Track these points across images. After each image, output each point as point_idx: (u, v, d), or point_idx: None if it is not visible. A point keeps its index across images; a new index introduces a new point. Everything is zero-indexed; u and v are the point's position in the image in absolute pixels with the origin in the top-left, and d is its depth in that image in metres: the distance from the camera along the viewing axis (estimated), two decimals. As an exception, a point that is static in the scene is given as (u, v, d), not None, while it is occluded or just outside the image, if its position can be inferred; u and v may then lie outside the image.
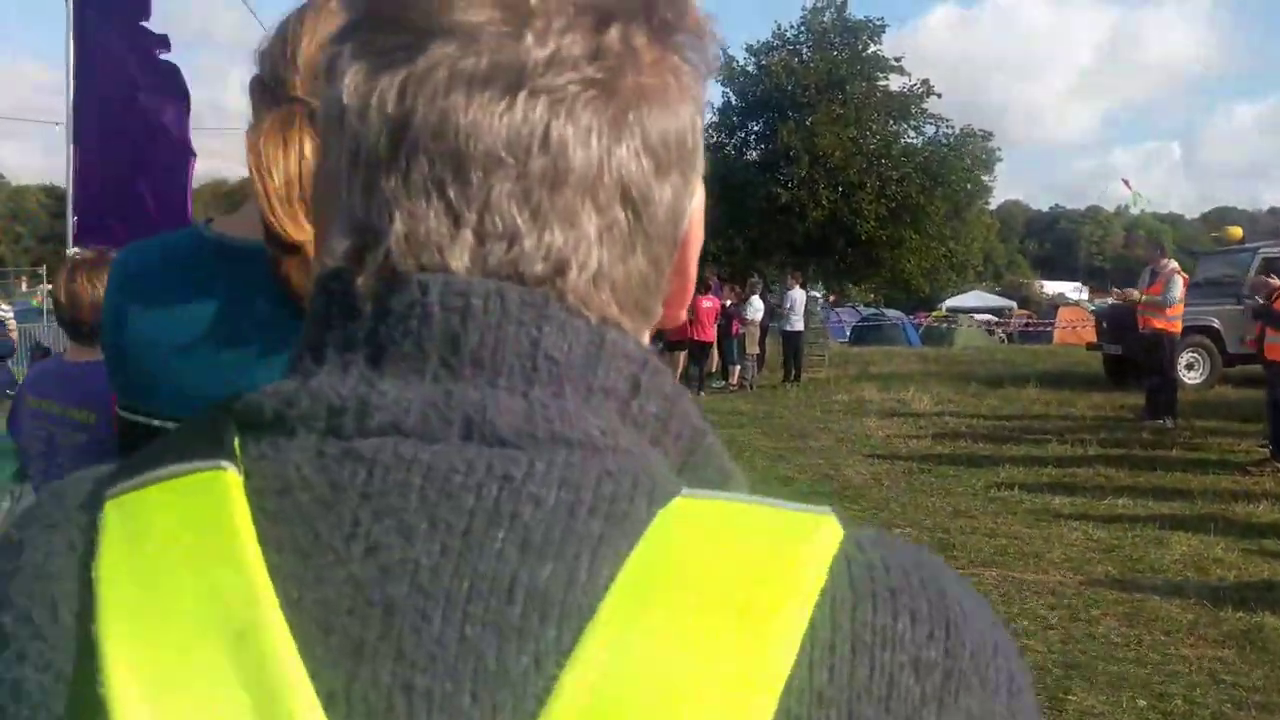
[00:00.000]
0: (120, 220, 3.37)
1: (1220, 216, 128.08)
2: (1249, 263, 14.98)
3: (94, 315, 2.44)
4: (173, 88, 3.25)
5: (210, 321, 1.11)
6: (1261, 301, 9.51)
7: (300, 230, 1.01)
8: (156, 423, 1.14)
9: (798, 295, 17.27)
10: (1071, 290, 63.88)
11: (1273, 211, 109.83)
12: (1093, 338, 32.61)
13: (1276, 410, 8.65)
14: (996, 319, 42.15)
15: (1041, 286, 69.38)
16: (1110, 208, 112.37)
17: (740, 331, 17.12)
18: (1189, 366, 14.78)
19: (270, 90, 1.13)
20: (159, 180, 3.37)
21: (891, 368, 19.22)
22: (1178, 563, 5.75)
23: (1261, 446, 9.45)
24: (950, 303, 44.29)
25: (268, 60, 1.14)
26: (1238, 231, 16.38)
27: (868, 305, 32.92)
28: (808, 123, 18.26)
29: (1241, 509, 6.99)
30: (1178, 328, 11.38)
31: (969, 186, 18.04)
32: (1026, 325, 38.62)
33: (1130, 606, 4.96)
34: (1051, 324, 33.90)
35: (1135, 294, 11.54)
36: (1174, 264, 11.65)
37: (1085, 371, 17.35)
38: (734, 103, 19.75)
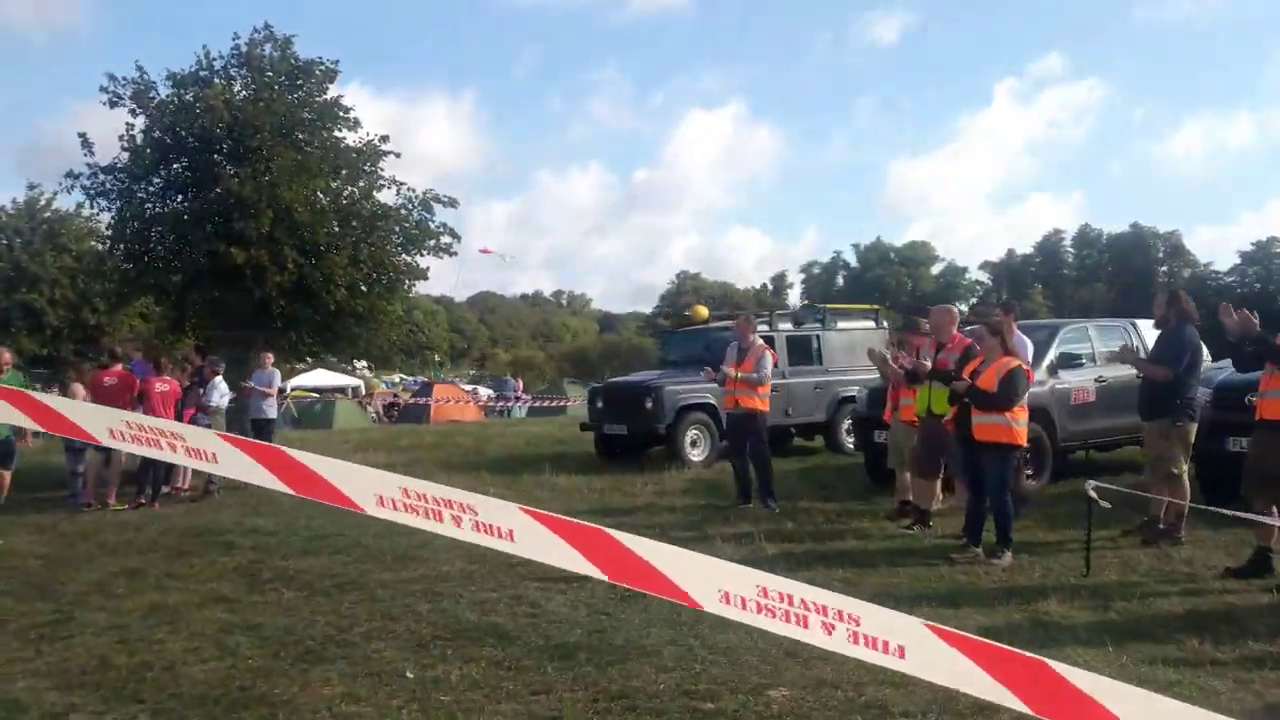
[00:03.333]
0: None
1: (483, 300, 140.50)
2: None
3: None
4: None
5: None
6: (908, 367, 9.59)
7: None
8: None
9: (275, 375, 14.29)
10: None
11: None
12: (470, 415, 33.33)
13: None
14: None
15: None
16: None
17: (204, 422, 13.59)
18: (693, 444, 14.96)
19: None
20: None
21: (366, 456, 16.89)
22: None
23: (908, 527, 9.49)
24: (295, 381, 41.53)
25: None
26: (704, 311, 17.22)
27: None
28: (265, 172, 15.36)
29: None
30: (768, 405, 11.17)
31: (441, 256, 16.61)
32: (394, 403, 38.09)
33: None
34: (426, 400, 33.67)
35: (730, 371, 11.04)
36: (762, 341, 11.51)
37: (584, 453, 16.79)
38: (153, 137, 15.95)
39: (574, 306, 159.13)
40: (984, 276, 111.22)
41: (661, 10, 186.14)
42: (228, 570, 8.57)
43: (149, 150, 15.76)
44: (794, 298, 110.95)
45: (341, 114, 16.43)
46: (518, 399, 39.71)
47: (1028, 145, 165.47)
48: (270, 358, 14.38)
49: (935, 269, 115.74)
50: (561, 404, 35.08)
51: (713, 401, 15.06)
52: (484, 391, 40.54)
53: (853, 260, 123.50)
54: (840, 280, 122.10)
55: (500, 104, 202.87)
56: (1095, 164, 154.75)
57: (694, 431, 14.87)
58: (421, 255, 16.49)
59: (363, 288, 15.70)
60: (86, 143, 15.96)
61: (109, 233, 16.39)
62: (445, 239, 16.59)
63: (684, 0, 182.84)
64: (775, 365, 11.21)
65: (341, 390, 43.08)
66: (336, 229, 15.56)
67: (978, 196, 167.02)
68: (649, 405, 14.77)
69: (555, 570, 7.52)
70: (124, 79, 15.81)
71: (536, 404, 36.59)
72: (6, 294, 25.84)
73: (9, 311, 25.87)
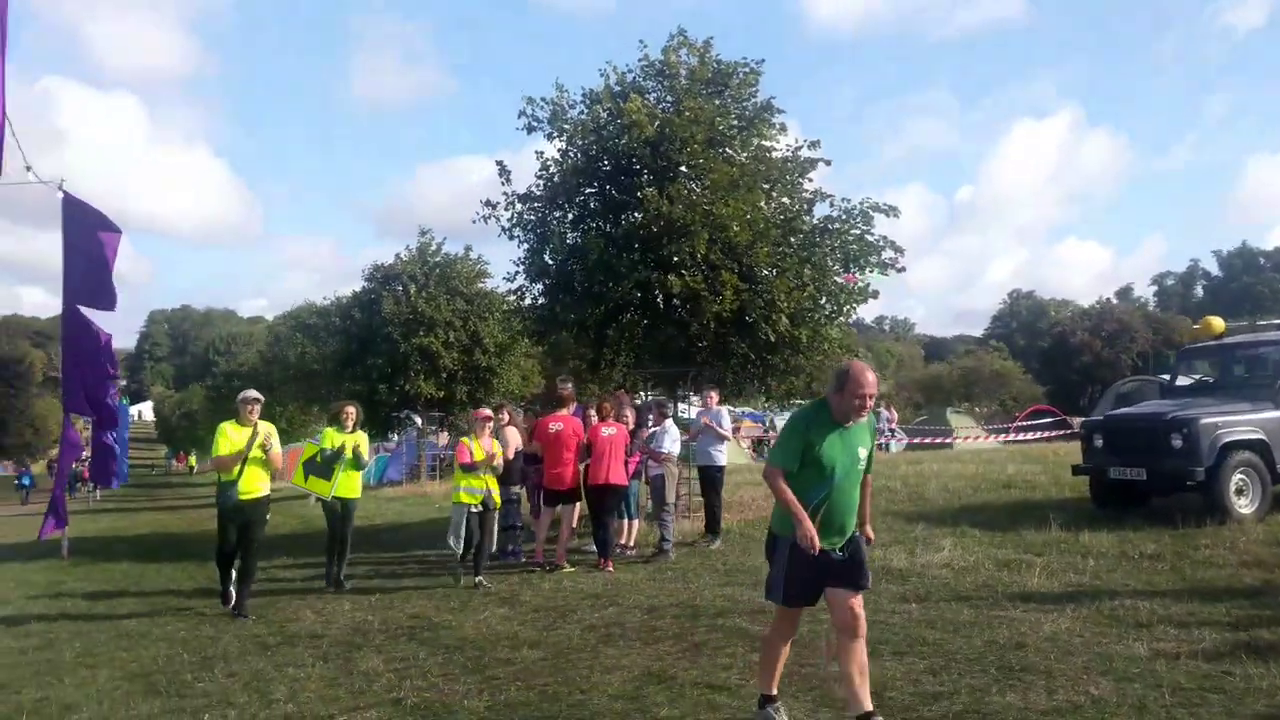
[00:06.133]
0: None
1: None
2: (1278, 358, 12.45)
3: None
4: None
5: None
6: None
7: None
8: None
9: (724, 415, 12.57)
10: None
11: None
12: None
13: None
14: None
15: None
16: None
17: (654, 471, 12.04)
18: (1238, 492, 11.77)
19: None
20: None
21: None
22: None
23: None
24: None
25: None
26: (1219, 324, 13.96)
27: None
28: (700, 188, 13.74)
29: None
30: None
31: (886, 274, 14.37)
32: (761, 438, 36.52)
33: None
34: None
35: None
36: None
37: (1058, 501, 13.99)
38: (572, 160, 14.79)
39: (897, 332, 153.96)
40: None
41: (988, 20, 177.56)
42: (785, 679, 6.53)
43: (567, 175, 14.60)
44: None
45: (770, 119, 14.59)
46: (891, 431, 36.88)
47: None
48: (716, 395, 12.62)
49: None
50: (947, 440, 31.80)
51: (1263, 437, 11.81)
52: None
53: (1214, 268, 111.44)
54: (1199, 291, 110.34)
55: (818, 132, 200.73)
56: None
57: (1240, 476, 11.63)
58: (865, 273, 14.26)
59: (803, 315, 13.64)
60: (504, 171, 15.06)
61: (521, 267, 15.34)
62: (889, 254, 14.27)
63: (1013, 7, 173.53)
64: None
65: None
66: (776, 248, 13.61)
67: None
68: (1178, 444, 11.70)
69: None
70: (542, 100, 14.76)
71: (915, 440, 33.53)
72: (405, 338, 26.28)
73: (408, 355, 26.30)
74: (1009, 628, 7.48)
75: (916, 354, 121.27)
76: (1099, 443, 12.92)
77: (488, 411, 11.31)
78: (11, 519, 30.57)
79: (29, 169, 11.44)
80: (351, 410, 11.05)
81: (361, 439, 11.02)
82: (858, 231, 14.20)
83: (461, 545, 10.64)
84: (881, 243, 14.41)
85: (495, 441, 10.93)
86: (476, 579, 10.40)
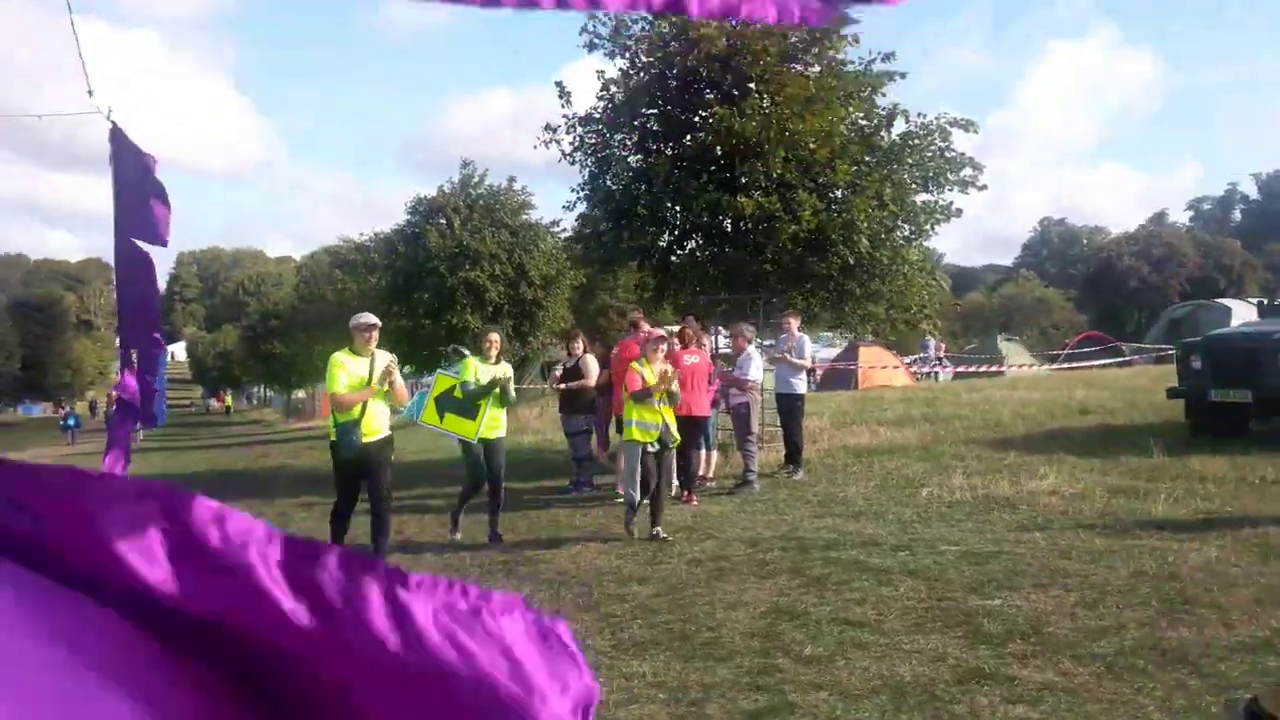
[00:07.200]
0: None
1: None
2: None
3: None
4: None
5: None
6: None
7: None
8: None
9: (805, 342, 12.07)
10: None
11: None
12: (898, 380, 30.09)
13: None
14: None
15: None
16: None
17: (738, 399, 11.58)
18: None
19: None
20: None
21: (866, 435, 14.35)
22: None
23: None
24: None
25: None
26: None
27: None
28: (773, 104, 13.07)
29: None
30: None
31: (967, 192, 13.71)
32: (811, 368, 35.33)
33: None
34: (853, 365, 30.80)
35: None
36: None
37: (1155, 422, 13.45)
38: (632, 77, 14.12)
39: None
40: None
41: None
42: (925, 614, 6.15)
43: (631, 95, 13.95)
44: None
45: (841, 30, 13.85)
46: (939, 360, 36.25)
47: None
48: (795, 322, 12.11)
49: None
50: (997, 369, 30.96)
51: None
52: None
53: (1252, 192, 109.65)
54: (1237, 215, 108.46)
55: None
56: None
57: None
58: (944, 191, 13.63)
59: (883, 236, 13.05)
60: (564, 92, 14.44)
61: (583, 193, 14.81)
62: (968, 171, 13.62)
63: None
64: None
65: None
66: (854, 166, 12.98)
67: None
68: (1289, 366, 11.14)
69: None
70: (605, 16, 14.05)
71: (962, 368, 32.69)
72: (451, 272, 25.81)
73: (454, 289, 25.87)
74: (1153, 558, 7.02)
75: (945, 285, 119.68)
76: (1197, 364, 12.35)
77: (661, 331, 9.56)
78: (61, 459, 30.60)
79: (90, 93, 10.89)
80: (496, 338, 9.69)
81: (509, 371, 9.64)
82: (937, 148, 13.53)
83: (639, 492, 9.05)
84: (961, 159, 13.75)
85: (670, 368, 9.28)
86: (654, 529, 8.94)
